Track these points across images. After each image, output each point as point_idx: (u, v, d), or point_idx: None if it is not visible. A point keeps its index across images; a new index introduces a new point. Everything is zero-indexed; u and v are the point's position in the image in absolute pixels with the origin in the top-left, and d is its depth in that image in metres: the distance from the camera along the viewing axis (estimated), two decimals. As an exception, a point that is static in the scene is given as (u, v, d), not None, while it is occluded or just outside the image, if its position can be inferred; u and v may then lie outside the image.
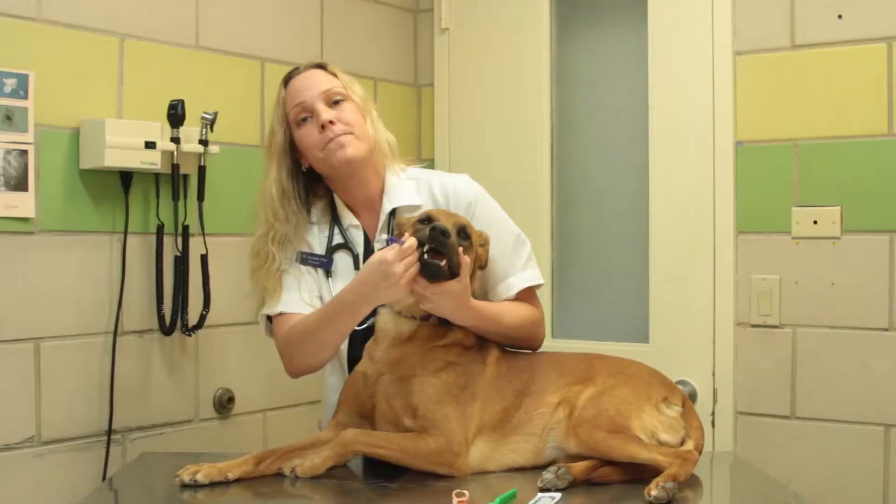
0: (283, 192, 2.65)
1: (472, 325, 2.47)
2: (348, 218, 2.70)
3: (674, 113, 3.52)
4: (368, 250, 2.67)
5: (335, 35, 3.74)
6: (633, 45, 3.65)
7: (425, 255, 2.32)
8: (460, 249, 2.37)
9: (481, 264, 2.54)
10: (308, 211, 2.72)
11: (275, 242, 2.64)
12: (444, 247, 2.31)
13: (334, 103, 2.63)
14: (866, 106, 3.21)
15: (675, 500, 2.10)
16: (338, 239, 2.70)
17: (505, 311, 2.58)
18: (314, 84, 2.64)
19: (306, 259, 2.68)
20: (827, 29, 3.26)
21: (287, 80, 2.69)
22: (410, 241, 2.31)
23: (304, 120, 2.63)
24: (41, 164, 2.88)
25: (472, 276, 2.46)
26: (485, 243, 2.54)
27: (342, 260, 2.69)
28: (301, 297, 2.64)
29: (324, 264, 2.68)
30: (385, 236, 2.62)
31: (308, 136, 2.63)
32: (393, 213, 2.67)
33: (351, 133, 2.61)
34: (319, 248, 2.70)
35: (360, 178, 2.68)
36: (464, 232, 2.43)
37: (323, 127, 2.59)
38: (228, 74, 3.38)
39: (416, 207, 2.66)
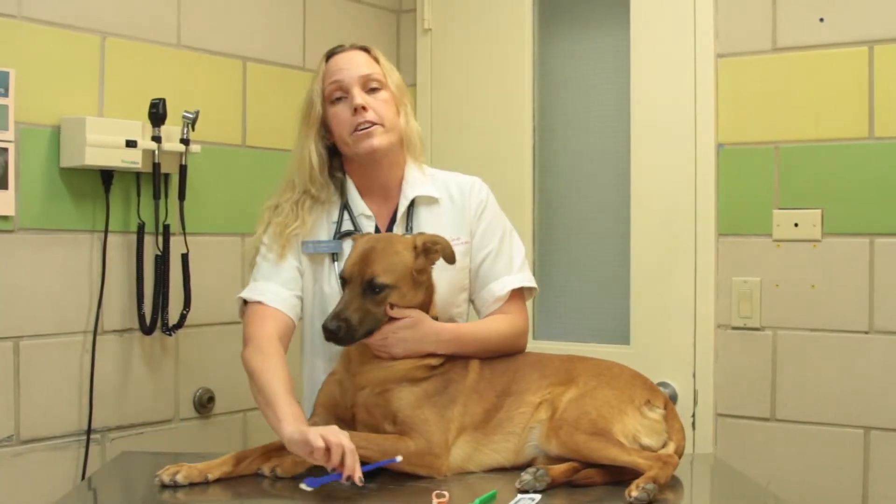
0: (321, 161, 2.68)
1: (450, 351, 2.47)
2: (360, 207, 2.71)
3: (655, 115, 3.53)
4: None
5: (318, 35, 3.73)
6: (616, 47, 3.65)
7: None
8: (381, 306, 2.38)
9: (445, 261, 2.49)
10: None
11: (304, 207, 2.68)
12: (336, 341, 2.35)
13: (371, 90, 2.66)
14: (847, 109, 3.22)
15: (656, 502, 2.11)
16: (347, 225, 2.69)
17: (482, 330, 2.59)
18: (354, 65, 2.67)
19: (316, 247, 2.67)
20: (808, 32, 3.27)
21: (329, 56, 2.71)
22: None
23: (339, 99, 2.66)
24: (21, 163, 2.86)
25: (428, 293, 2.49)
26: (434, 245, 2.46)
27: (348, 246, 2.63)
28: (282, 291, 2.62)
29: (331, 248, 2.67)
30: None
31: (339, 115, 2.65)
32: (412, 202, 2.69)
33: (381, 124, 2.63)
34: (326, 234, 2.70)
35: (381, 166, 2.69)
36: (372, 284, 2.38)
37: (355, 110, 2.62)
38: (210, 73, 3.37)
39: (434, 200, 2.71)
